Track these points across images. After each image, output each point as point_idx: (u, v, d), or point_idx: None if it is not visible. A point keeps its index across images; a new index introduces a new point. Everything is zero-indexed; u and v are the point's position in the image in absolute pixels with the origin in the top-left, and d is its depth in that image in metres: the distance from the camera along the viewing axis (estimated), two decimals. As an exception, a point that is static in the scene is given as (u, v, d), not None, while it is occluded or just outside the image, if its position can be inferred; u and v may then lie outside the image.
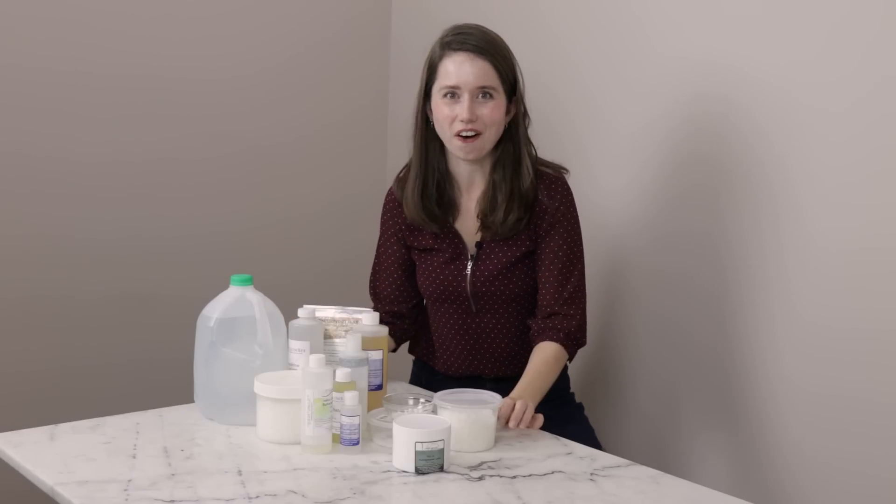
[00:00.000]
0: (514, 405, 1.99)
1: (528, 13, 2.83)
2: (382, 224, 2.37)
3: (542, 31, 2.79)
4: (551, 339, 2.19)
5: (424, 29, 3.14)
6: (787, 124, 2.27)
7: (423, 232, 2.29)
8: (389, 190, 2.36)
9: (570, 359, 2.26)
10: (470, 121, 2.13)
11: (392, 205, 2.34)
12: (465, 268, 2.26)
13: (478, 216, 2.23)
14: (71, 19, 2.77)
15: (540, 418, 2.03)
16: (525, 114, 2.24)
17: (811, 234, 2.25)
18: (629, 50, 2.59)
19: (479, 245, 2.26)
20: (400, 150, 3.25)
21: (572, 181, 2.28)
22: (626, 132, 2.62)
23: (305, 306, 2.09)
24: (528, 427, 2.00)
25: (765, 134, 2.31)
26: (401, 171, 2.33)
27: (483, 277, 2.25)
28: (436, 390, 2.16)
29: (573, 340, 2.22)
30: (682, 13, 2.47)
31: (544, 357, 2.17)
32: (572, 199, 2.26)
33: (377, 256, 2.39)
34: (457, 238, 2.27)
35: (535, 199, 2.22)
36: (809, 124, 2.23)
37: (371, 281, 2.41)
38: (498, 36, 2.21)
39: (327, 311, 2.14)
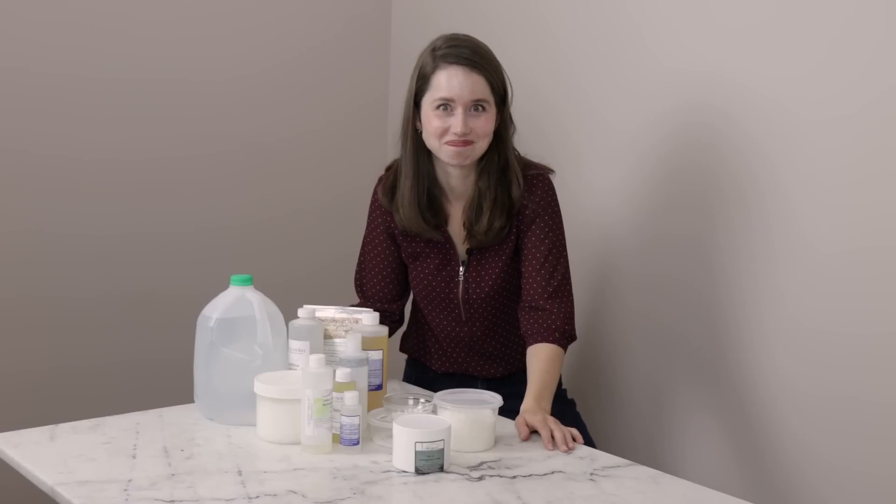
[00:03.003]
0: (553, 434, 1.97)
1: (527, 17, 2.83)
2: (370, 220, 2.34)
3: (541, 35, 2.79)
4: (547, 341, 2.19)
5: (424, 30, 3.14)
6: (777, 132, 2.28)
7: (416, 239, 2.29)
8: (375, 188, 2.33)
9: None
10: (464, 134, 2.13)
11: (382, 210, 2.31)
12: (458, 274, 2.27)
13: (464, 224, 2.24)
14: (68, 20, 2.77)
15: (576, 431, 2.00)
16: (511, 122, 2.24)
17: (800, 237, 2.25)
18: (626, 54, 2.59)
19: (469, 252, 2.26)
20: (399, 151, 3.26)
21: (565, 182, 2.29)
22: (619, 135, 2.62)
23: (305, 306, 2.09)
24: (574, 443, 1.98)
25: (756, 141, 2.32)
26: (382, 176, 2.31)
27: (475, 285, 2.26)
28: (430, 388, 2.16)
29: (566, 337, 2.21)
30: (679, 21, 2.47)
31: (546, 357, 2.16)
32: (554, 195, 2.26)
33: (363, 253, 2.36)
34: (448, 243, 2.27)
35: (517, 199, 2.21)
36: (800, 132, 2.24)
37: (357, 276, 2.39)
38: (487, 47, 2.20)
39: (327, 311, 2.14)
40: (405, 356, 2.50)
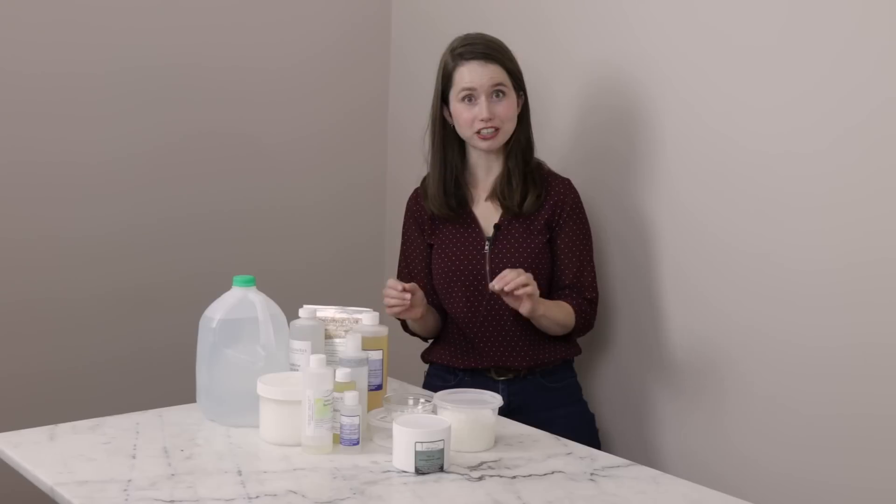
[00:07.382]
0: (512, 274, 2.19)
1: (527, 19, 2.83)
2: (406, 226, 2.51)
3: (541, 36, 2.79)
4: (567, 301, 2.40)
5: (424, 31, 3.16)
6: (760, 158, 2.32)
7: (444, 224, 2.43)
8: (413, 192, 2.51)
9: (574, 333, 2.43)
10: (489, 119, 2.33)
11: (414, 203, 2.49)
12: (484, 247, 2.39)
13: (497, 198, 2.40)
14: (64, 19, 2.77)
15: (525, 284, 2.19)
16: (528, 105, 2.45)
17: (802, 244, 2.26)
18: (626, 54, 2.59)
19: (496, 227, 2.40)
20: (399, 151, 3.27)
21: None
22: (621, 135, 2.62)
23: (306, 306, 2.09)
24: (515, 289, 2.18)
25: (755, 147, 2.33)
26: (417, 188, 2.51)
27: (502, 256, 2.37)
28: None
29: (584, 312, 2.41)
30: (677, 30, 2.48)
31: (560, 302, 2.39)
32: (580, 200, 2.47)
33: (404, 258, 2.50)
34: (474, 223, 2.41)
35: (543, 179, 2.43)
36: (782, 158, 2.28)
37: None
38: (498, 39, 2.41)
39: (327, 311, 2.14)
40: (423, 370, 2.55)
